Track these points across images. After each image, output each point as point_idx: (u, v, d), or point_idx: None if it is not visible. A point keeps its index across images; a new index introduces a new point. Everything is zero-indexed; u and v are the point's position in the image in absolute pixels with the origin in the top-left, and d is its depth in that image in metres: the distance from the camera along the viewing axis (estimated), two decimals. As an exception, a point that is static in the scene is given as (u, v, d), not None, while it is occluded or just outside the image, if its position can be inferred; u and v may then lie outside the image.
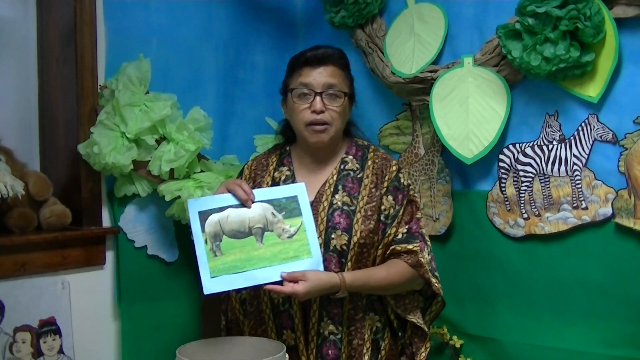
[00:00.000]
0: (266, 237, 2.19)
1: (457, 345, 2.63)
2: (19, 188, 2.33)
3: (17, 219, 2.40)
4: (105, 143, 2.43)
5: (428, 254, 2.27)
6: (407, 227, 2.27)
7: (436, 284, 2.27)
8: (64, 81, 2.58)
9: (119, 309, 2.61)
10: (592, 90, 2.25)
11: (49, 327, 2.39)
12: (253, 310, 2.33)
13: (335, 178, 2.30)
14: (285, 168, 2.37)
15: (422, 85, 2.61)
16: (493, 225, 2.51)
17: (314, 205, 2.26)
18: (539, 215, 2.39)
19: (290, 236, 2.19)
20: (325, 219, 2.23)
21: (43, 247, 2.41)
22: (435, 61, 2.63)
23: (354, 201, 2.25)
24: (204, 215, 2.21)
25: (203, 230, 2.19)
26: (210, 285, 2.14)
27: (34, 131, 2.69)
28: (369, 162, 2.32)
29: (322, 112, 2.24)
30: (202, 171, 2.66)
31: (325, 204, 2.26)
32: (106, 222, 2.60)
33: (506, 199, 2.47)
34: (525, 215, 2.42)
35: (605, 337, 2.30)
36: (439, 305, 2.38)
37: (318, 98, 2.24)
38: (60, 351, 2.41)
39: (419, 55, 2.64)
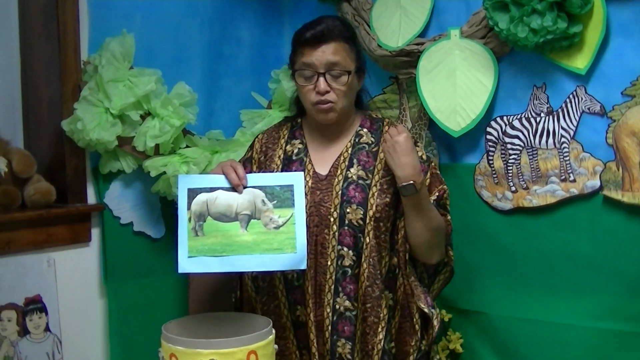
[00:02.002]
0: (251, 225, 2.14)
1: (446, 319, 2.63)
2: (2, 166, 2.33)
3: (0, 197, 2.38)
4: (89, 119, 2.40)
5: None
6: (437, 194, 2.26)
7: (450, 252, 2.30)
8: (46, 58, 2.55)
9: (105, 286, 2.60)
10: (580, 62, 2.24)
11: (35, 305, 2.38)
12: (266, 285, 2.28)
13: (350, 151, 2.26)
14: (298, 141, 2.32)
15: (409, 58, 2.59)
16: (481, 199, 2.50)
17: (328, 178, 2.23)
18: (526, 188, 2.38)
19: (277, 227, 2.12)
20: (340, 192, 2.19)
21: (28, 225, 2.40)
22: (422, 34, 2.60)
23: (369, 175, 2.22)
24: (192, 193, 2.15)
25: (189, 207, 2.14)
26: (186, 264, 2.09)
27: (17, 109, 2.66)
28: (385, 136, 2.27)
29: (326, 92, 2.19)
30: (187, 146, 2.63)
31: (340, 177, 2.22)
32: (91, 199, 2.59)
33: (494, 172, 2.46)
34: (513, 188, 2.41)
35: (593, 309, 2.30)
36: (447, 275, 2.37)
37: (322, 79, 2.18)
38: (47, 329, 2.41)
39: (405, 28, 2.61)
